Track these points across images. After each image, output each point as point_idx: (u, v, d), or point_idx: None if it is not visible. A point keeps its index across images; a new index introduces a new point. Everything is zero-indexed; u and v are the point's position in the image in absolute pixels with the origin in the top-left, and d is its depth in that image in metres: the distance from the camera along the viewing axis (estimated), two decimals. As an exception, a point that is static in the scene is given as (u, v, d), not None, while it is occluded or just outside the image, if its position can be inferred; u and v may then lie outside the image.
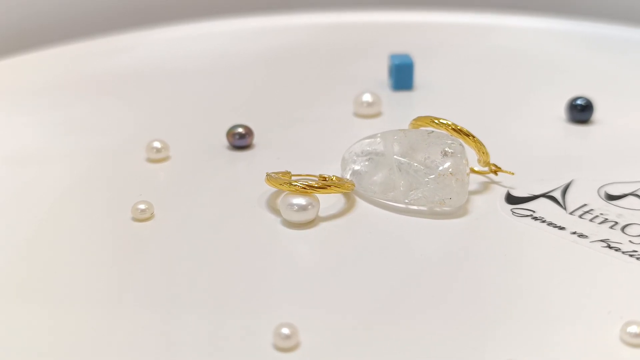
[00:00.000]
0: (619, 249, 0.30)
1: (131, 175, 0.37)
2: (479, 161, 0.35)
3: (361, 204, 0.34)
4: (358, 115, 0.43)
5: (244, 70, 0.50)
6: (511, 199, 0.34)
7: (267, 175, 0.33)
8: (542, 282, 0.29)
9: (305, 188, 0.32)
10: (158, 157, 0.38)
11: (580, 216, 0.32)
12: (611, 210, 0.32)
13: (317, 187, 0.32)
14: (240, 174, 0.37)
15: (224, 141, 0.39)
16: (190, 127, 0.42)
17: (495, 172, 0.35)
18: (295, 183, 0.32)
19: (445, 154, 0.32)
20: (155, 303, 0.28)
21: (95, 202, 0.35)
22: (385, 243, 0.31)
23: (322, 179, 0.35)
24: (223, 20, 0.57)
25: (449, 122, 0.34)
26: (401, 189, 0.33)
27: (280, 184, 0.32)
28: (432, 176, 0.32)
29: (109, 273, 0.30)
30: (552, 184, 0.35)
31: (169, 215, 0.33)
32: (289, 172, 0.35)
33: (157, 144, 0.38)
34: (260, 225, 0.32)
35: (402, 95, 0.45)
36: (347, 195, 0.34)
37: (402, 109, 0.44)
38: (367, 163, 0.34)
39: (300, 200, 0.32)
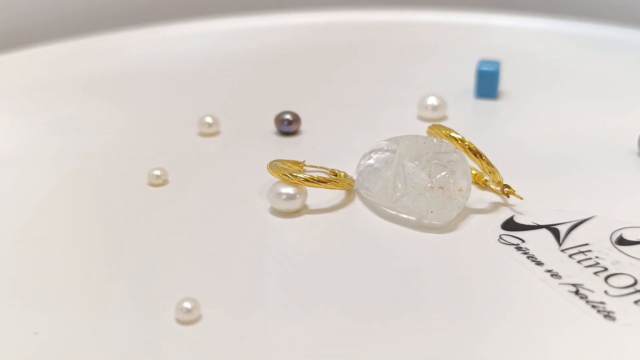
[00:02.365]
0: (586, 298, 0.27)
1: (118, 177, 0.36)
2: (492, 181, 0.33)
3: (356, 203, 0.33)
4: (422, 118, 0.42)
5: (254, 68, 0.50)
6: (508, 225, 0.31)
7: (271, 163, 0.34)
8: (479, 313, 0.27)
9: (304, 181, 0.32)
10: (210, 131, 0.40)
11: (570, 255, 0.29)
12: (612, 255, 0.29)
13: (315, 181, 0.33)
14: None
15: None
16: (180, 127, 0.41)
17: (507, 195, 0.33)
18: (296, 175, 0.33)
19: (440, 167, 0.31)
20: (141, 302, 0.28)
21: (82, 203, 0.34)
22: (353, 244, 0.31)
23: (332, 174, 0.35)
24: (213, 20, 0.57)
25: (460, 137, 0.32)
26: (397, 194, 0.32)
27: (282, 174, 0.33)
28: (420, 187, 0.31)
29: (97, 275, 0.29)
30: (568, 217, 0.32)
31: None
32: (299, 163, 0.35)
33: (209, 119, 0.40)
34: (254, 213, 0.33)
35: (482, 103, 0.44)
36: (350, 192, 0.34)
37: (469, 116, 0.42)
38: (375, 163, 0.33)
39: (287, 190, 0.32)
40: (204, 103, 0.44)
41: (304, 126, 0.40)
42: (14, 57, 0.50)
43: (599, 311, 0.26)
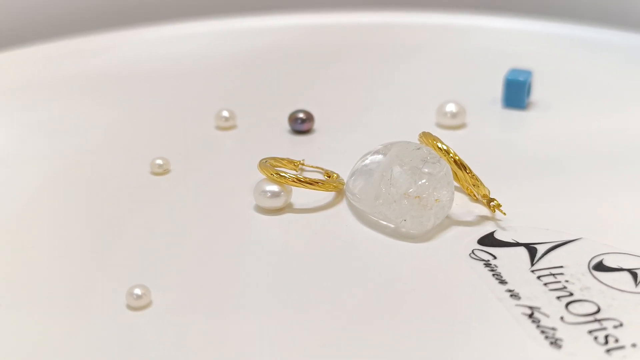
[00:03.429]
0: (538, 322, 0.26)
1: (106, 177, 0.36)
2: (477, 194, 0.32)
3: (342, 206, 0.33)
4: (440, 125, 0.41)
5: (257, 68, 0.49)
6: (486, 240, 0.30)
7: (261, 162, 0.34)
8: (422, 326, 0.26)
9: (291, 181, 0.33)
10: (226, 125, 0.41)
11: (539, 277, 0.28)
12: (584, 281, 0.28)
13: (302, 182, 0.33)
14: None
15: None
16: (171, 127, 0.42)
17: (492, 209, 0.32)
18: (284, 174, 0.33)
19: (420, 175, 0.31)
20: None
21: (68, 204, 0.34)
22: (325, 246, 0.31)
23: (326, 175, 0.35)
24: (203, 21, 0.56)
25: (445, 148, 0.31)
26: (380, 200, 0.31)
27: (270, 173, 0.33)
28: (397, 194, 0.30)
29: (83, 270, 0.30)
30: (552, 236, 0.30)
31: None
32: (295, 162, 0.36)
33: (225, 113, 0.41)
34: (240, 210, 0.33)
35: (507, 113, 0.42)
36: (340, 194, 0.34)
37: (488, 126, 0.41)
38: (365, 167, 0.33)
39: (272, 188, 0.33)
40: (196, 103, 0.44)
41: (318, 125, 0.41)
42: (4, 57, 0.50)
43: (546, 337, 0.25)
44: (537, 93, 0.44)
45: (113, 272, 0.30)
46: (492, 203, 0.32)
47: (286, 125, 0.40)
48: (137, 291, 0.27)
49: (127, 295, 0.27)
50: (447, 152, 0.31)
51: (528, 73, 0.43)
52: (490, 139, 0.40)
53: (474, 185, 0.31)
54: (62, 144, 0.40)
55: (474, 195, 0.33)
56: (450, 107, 0.41)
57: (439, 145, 0.31)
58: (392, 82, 0.47)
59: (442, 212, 0.31)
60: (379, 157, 0.33)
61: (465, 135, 0.40)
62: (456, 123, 0.41)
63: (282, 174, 0.32)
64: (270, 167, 0.33)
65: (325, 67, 0.50)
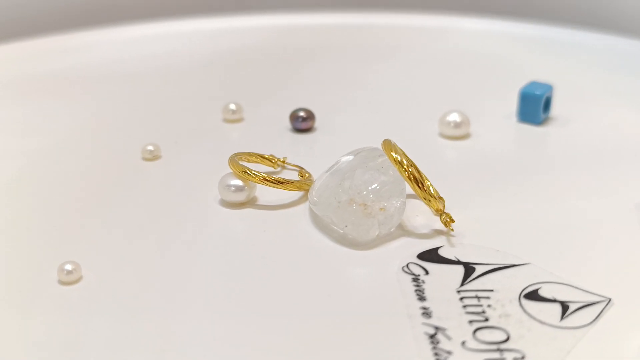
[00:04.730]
0: (437, 343, 0.25)
1: (67, 176, 0.36)
2: (431, 208, 0.31)
3: (305, 206, 0.33)
4: (443, 135, 0.40)
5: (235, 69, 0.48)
6: (427, 255, 0.29)
7: (232, 158, 0.34)
8: (326, 333, 0.26)
9: (261, 180, 0.33)
10: (234, 117, 0.42)
11: (463, 298, 0.27)
12: (507, 308, 0.26)
13: (270, 181, 0.33)
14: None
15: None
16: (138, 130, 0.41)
17: (444, 223, 0.30)
18: (255, 173, 0.33)
19: (369, 183, 0.30)
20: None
21: (28, 204, 0.34)
22: (264, 243, 0.31)
23: (300, 174, 0.35)
24: (174, 21, 0.55)
25: (400, 159, 0.30)
26: (329, 204, 0.31)
27: (241, 171, 0.33)
28: (343, 200, 0.30)
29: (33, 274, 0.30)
30: (498, 259, 0.29)
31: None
32: (273, 159, 0.36)
33: (232, 106, 0.42)
34: (205, 202, 0.34)
35: (519, 128, 0.40)
36: (307, 194, 0.34)
37: (490, 138, 0.39)
38: (329, 170, 0.33)
39: (236, 182, 0.33)
40: (158, 105, 0.44)
41: (320, 124, 0.41)
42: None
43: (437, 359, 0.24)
44: (559, 108, 0.42)
45: (64, 252, 0.31)
46: (445, 218, 0.31)
47: (287, 124, 0.41)
48: (68, 267, 0.28)
49: (59, 270, 0.29)
50: (401, 163, 0.30)
51: (546, 87, 0.40)
52: (486, 152, 0.38)
53: (426, 199, 0.30)
54: (30, 142, 0.40)
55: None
56: (454, 117, 0.39)
57: (394, 155, 0.31)
58: (399, 83, 0.47)
59: (390, 221, 0.30)
60: (346, 161, 0.32)
61: (464, 146, 0.39)
62: (460, 133, 0.39)
63: (248, 172, 0.33)
64: (238, 164, 0.34)
65: (328, 67, 0.50)
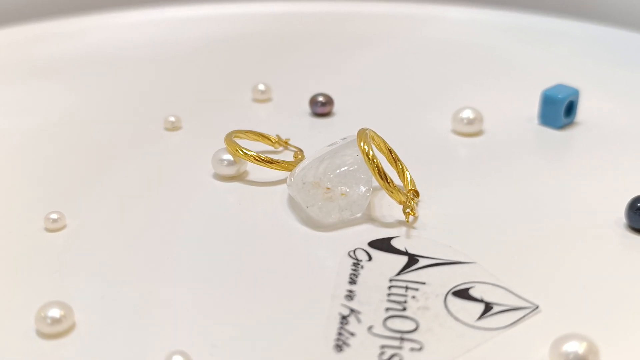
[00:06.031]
0: (345, 324, 0.25)
1: (46, 165, 0.37)
2: (394, 200, 0.31)
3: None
4: (455, 132, 0.40)
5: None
6: (377, 243, 0.30)
7: (228, 137, 0.36)
8: (251, 304, 0.27)
9: (253, 159, 0.35)
10: (262, 97, 0.44)
11: (391, 287, 0.27)
12: (430, 302, 0.27)
13: (262, 161, 0.35)
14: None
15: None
16: (126, 113, 0.43)
17: (406, 213, 0.31)
18: (248, 152, 0.35)
19: (335, 167, 0.31)
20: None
21: (26, 180, 0.36)
22: (233, 214, 0.33)
23: (295, 156, 0.37)
24: (172, 7, 0.56)
25: (366, 150, 0.31)
26: (298, 185, 0.32)
27: (235, 149, 0.35)
28: (309, 182, 0.31)
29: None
30: (447, 254, 0.29)
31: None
32: (275, 139, 0.37)
33: (261, 87, 0.44)
34: (199, 174, 0.36)
35: (540, 131, 0.39)
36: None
37: (503, 138, 0.39)
38: (318, 154, 0.34)
39: (227, 157, 0.35)
40: (187, 81, 0.47)
41: (338, 109, 0.42)
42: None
43: (338, 339, 0.25)
44: (592, 114, 0.41)
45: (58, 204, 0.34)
46: (407, 210, 0.31)
47: (307, 108, 0.42)
48: (53, 216, 0.32)
49: (45, 219, 0.32)
50: (367, 154, 0.31)
51: (571, 91, 0.39)
52: (493, 151, 0.38)
53: (388, 190, 0.31)
54: (19, 123, 0.42)
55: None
56: (467, 114, 0.39)
57: (362, 145, 0.31)
58: (416, 74, 0.48)
59: (352, 207, 0.31)
60: (332, 146, 0.33)
61: (475, 143, 0.39)
62: (473, 130, 0.39)
63: (240, 150, 0.35)
64: (232, 141, 0.35)
65: (351, 54, 0.52)
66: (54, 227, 0.31)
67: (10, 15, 0.59)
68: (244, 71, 0.49)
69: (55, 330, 0.25)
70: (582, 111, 0.41)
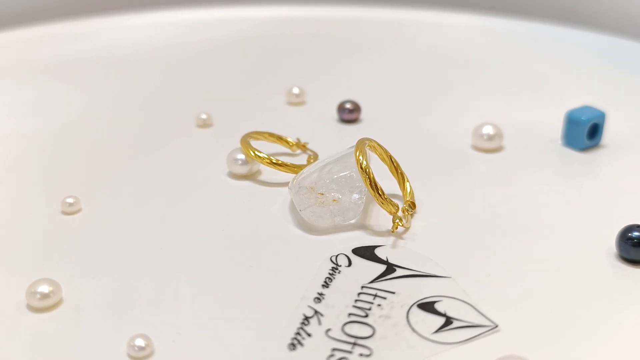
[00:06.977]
0: (305, 325, 0.27)
1: (68, 159, 0.39)
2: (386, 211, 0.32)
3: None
4: (475, 147, 0.40)
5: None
6: (361, 251, 0.31)
7: (244, 139, 0.37)
8: (226, 299, 0.29)
9: (266, 162, 0.36)
10: (297, 100, 0.45)
11: (360, 293, 0.28)
12: (393, 312, 0.27)
13: (273, 163, 0.36)
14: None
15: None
16: (142, 114, 0.44)
17: (394, 223, 0.32)
18: (260, 154, 0.36)
19: (332, 174, 0.32)
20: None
21: (30, 186, 0.37)
22: (235, 212, 0.34)
23: (308, 160, 0.38)
24: (181, 10, 0.56)
25: (360, 161, 0.32)
26: (296, 189, 0.33)
27: (249, 151, 0.37)
28: (304, 186, 0.32)
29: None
30: (425, 267, 0.30)
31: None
32: (290, 141, 0.39)
33: (296, 90, 0.45)
34: (214, 172, 0.37)
35: (562, 152, 0.39)
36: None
37: (522, 156, 0.39)
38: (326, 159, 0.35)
39: (241, 156, 0.37)
40: (221, 80, 0.48)
41: (366, 116, 0.43)
42: None
43: (294, 338, 0.26)
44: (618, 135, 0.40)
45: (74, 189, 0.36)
46: (396, 221, 0.32)
47: (334, 114, 0.43)
48: (69, 200, 0.34)
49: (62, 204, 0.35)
50: (360, 164, 0.32)
51: (597, 113, 0.39)
52: (509, 166, 0.38)
53: (378, 201, 0.32)
54: (32, 124, 0.43)
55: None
56: (487, 130, 0.39)
57: (359, 156, 0.32)
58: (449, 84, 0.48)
59: (344, 213, 0.32)
60: (338, 153, 0.35)
61: (496, 160, 0.39)
62: (492, 146, 0.39)
63: (255, 152, 0.36)
64: (248, 143, 0.37)
65: (380, 60, 0.53)
66: (70, 210, 0.34)
67: (25, 15, 0.60)
68: (275, 73, 0.51)
69: (43, 304, 0.28)
70: (608, 134, 0.40)
